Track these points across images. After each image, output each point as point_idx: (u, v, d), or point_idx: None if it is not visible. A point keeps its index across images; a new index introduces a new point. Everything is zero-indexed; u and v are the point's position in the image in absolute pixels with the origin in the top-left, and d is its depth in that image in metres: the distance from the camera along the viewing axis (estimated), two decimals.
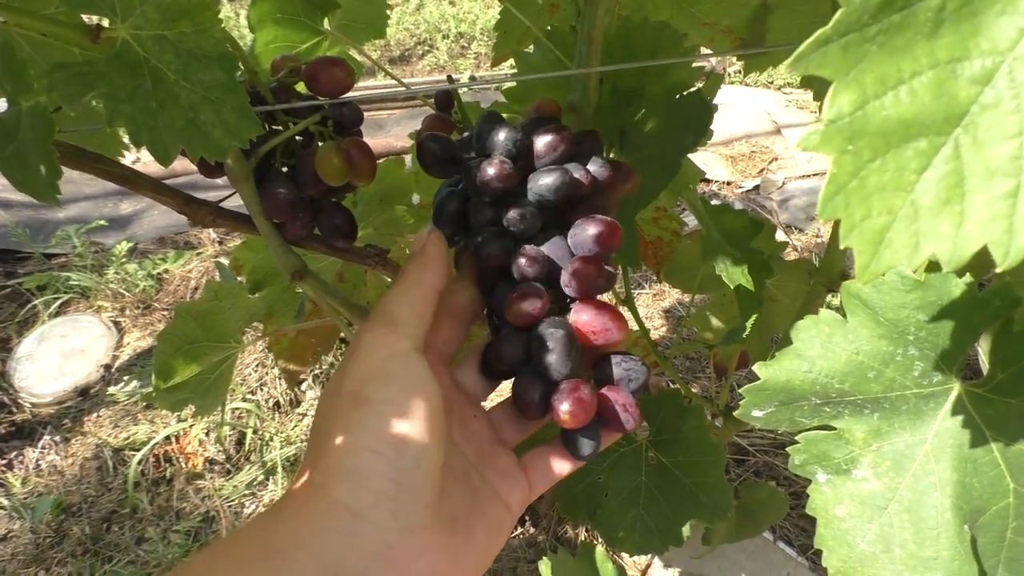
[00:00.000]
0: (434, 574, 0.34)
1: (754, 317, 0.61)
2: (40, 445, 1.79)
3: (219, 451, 1.76)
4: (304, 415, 1.86)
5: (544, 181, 0.41)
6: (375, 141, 2.88)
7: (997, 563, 0.38)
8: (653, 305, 2.16)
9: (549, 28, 0.60)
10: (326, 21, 0.63)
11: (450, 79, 0.58)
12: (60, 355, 1.99)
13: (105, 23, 0.37)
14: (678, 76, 0.53)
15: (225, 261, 2.10)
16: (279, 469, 1.71)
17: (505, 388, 0.44)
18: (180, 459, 1.74)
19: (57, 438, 1.81)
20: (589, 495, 0.69)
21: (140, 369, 1.98)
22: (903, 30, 0.23)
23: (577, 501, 0.70)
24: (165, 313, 2.19)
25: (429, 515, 0.34)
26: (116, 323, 2.14)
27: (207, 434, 1.79)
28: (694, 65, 0.55)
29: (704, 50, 0.72)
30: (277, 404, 1.88)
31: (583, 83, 0.51)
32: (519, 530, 1.55)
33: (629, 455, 0.69)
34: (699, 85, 0.53)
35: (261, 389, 1.91)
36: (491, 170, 0.40)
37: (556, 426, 0.41)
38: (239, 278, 0.79)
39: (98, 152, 0.48)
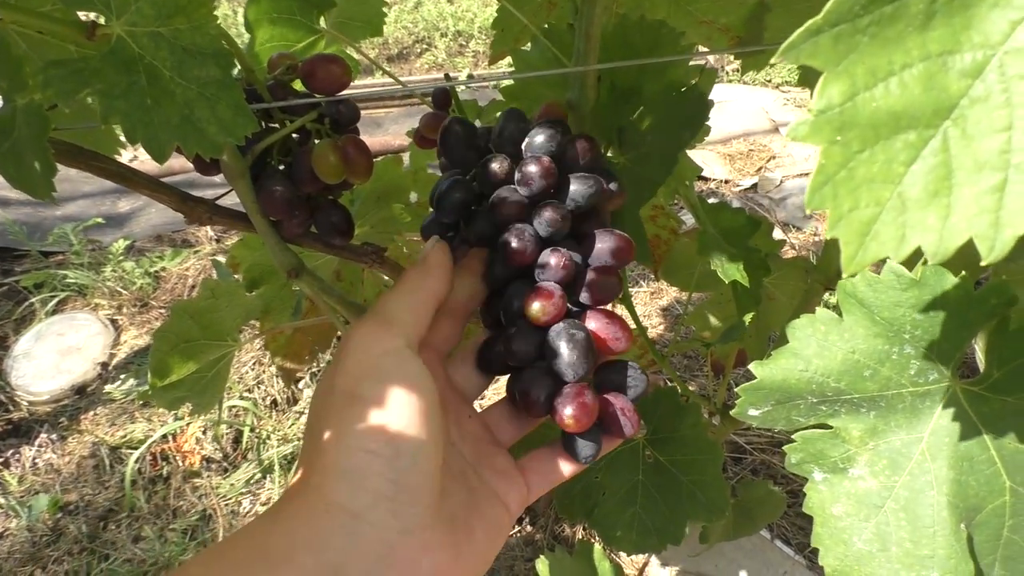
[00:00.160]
0: (436, 575, 0.34)
1: (751, 315, 0.61)
2: (37, 443, 1.79)
3: (216, 449, 1.76)
4: (301, 413, 1.86)
5: (579, 187, 0.42)
6: (373, 139, 2.88)
7: (993, 561, 0.38)
8: (651, 303, 2.16)
9: (546, 26, 0.60)
10: (322, 20, 0.63)
11: (447, 77, 0.58)
12: (57, 353, 1.98)
13: (101, 20, 0.37)
14: (676, 74, 0.52)
15: (222, 259, 2.09)
16: (276, 467, 1.71)
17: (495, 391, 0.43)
18: (177, 457, 1.74)
19: (54, 436, 1.81)
20: (586, 494, 0.69)
21: (137, 367, 1.98)
22: (895, 21, 0.23)
23: (574, 500, 0.70)
24: (162, 311, 2.18)
25: (430, 515, 0.34)
26: (113, 321, 2.13)
27: (204, 432, 1.79)
28: (692, 63, 0.55)
29: (702, 48, 0.72)
30: (274, 402, 1.88)
31: (581, 81, 0.51)
32: (516, 528, 1.55)
33: (626, 454, 0.69)
34: (694, 81, 0.53)
35: (258, 387, 1.90)
36: (533, 168, 0.41)
37: (550, 429, 0.41)
38: (236, 276, 0.79)
39: (94, 149, 0.48)
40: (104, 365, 1.98)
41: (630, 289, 2.15)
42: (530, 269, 0.42)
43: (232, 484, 1.69)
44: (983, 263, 0.23)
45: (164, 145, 0.37)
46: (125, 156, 0.57)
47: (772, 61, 0.30)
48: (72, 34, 0.37)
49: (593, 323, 0.42)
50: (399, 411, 0.34)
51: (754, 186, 2.70)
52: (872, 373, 0.41)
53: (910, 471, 0.41)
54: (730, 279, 0.56)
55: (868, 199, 0.24)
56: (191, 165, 0.48)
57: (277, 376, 1.90)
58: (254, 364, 1.96)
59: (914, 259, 0.25)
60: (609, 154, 0.53)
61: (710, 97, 0.48)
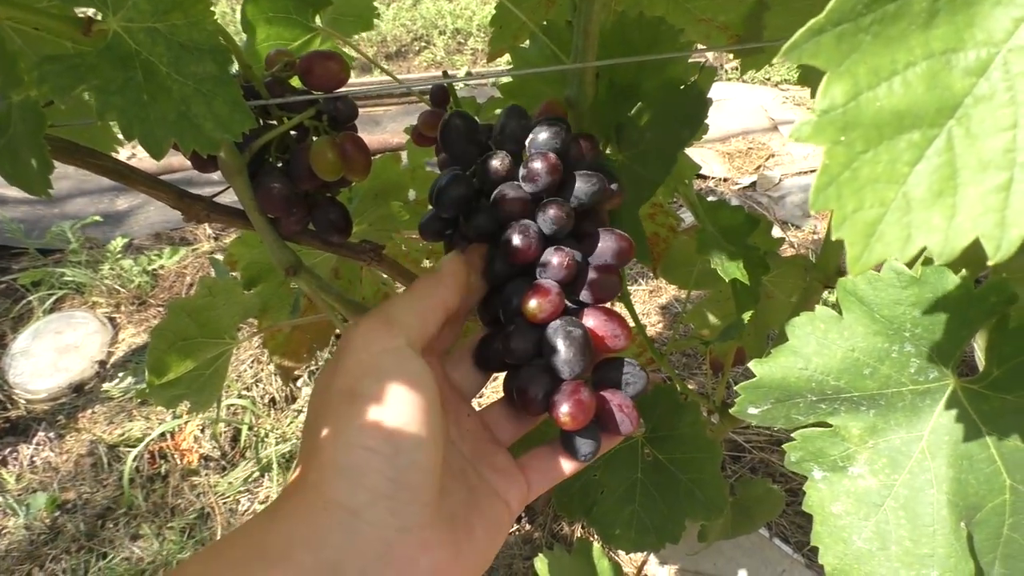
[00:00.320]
0: (436, 573, 0.33)
1: (750, 313, 0.61)
2: (35, 441, 1.79)
3: (214, 447, 1.76)
4: (299, 411, 1.86)
5: (583, 186, 0.42)
6: (372, 137, 2.88)
7: (993, 560, 0.38)
8: (650, 301, 2.16)
9: (545, 23, 0.60)
10: (318, 18, 0.63)
11: (445, 74, 0.58)
12: (55, 351, 1.98)
13: (98, 16, 0.37)
14: (674, 71, 0.52)
15: (220, 257, 2.09)
16: (274, 465, 1.71)
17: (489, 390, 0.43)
18: (175, 455, 1.74)
19: (52, 434, 1.80)
20: (585, 492, 0.69)
21: (135, 365, 1.98)
22: (897, 20, 0.23)
23: (573, 498, 0.70)
24: (160, 309, 2.18)
25: (429, 513, 0.33)
26: (111, 319, 2.13)
27: (202, 430, 1.79)
28: (691, 60, 0.55)
29: (700, 46, 0.72)
30: (272, 400, 1.88)
31: (579, 78, 0.50)
32: (515, 527, 1.55)
33: (625, 452, 0.69)
34: (693, 79, 0.52)
35: (256, 385, 1.90)
36: (539, 164, 0.41)
37: (550, 427, 0.41)
38: (234, 274, 0.79)
39: (91, 146, 0.47)
40: (102, 363, 1.98)
41: (629, 287, 2.15)
42: (531, 267, 0.42)
43: (230, 482, 1.68)
44: (989, 263, 0.23)
45: (161, 141, 0.37)
46: (123, 153, 0.56)
47: (774, 61, 0.30)
48: (68, 30, 0.37)
49: (591, 321, 0.42)
50: (399, 408, 0.33)
51: (753, 184, 2.70)
52: (872, 371, 0.41)
53: (910, 469, 0.40)
54: (729, 277, 0.56)
55: (872, 200, 0.24)
56: (189, 162, 0.48)
57: (275, 374, 1.90)
58: (252, 362, 1.95)
59: (915, 257, 0.25)
60: (608, 151, 0.53)
61: (709, 95, 0.48)
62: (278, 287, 0.79)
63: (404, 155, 0.90)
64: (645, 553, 1.36)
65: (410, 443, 0.33)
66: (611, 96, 0.53)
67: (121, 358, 2.01)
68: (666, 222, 0.89)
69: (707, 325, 0.99)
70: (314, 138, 0.50)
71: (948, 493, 0.39)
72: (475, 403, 0.45)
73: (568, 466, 0.42)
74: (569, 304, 0.43)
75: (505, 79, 0.65)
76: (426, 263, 0.92)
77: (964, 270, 0.38)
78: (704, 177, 2.75)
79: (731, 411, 0.44)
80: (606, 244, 0.42)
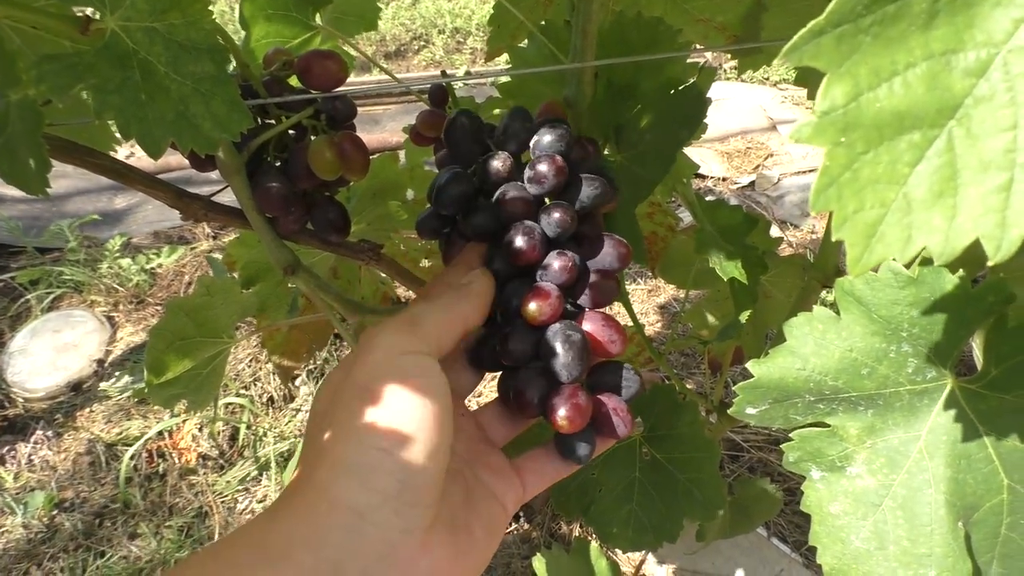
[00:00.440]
0: (435, 574, 0.33)
1: (748, 313, 0.61)
2: (32, 440, 1.78)
3: (212, 446, 1.76)
4: (298, 410, 1.86)
5: (587, 189, 0.42)
6: (370, 136, 2.87)
7: (991, 559, 0.38)
8: (648, 301, 2.16)
9: (543, 23, 0.60)
10: (318, 16, 0.63)
11: (444, 74, 0.58)
12: (53, 350, 1.98)
13: (96, 15, 0.37)
14: (673, 72, 0.52)
15: (219, 256, 2.09)
16: (272, 465, 1.71)
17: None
18: (173, 454, 1.74)
19: (49, 433, 1.80)
20: (583, 491, 0.69)
21: (133, 364, 1.97)
22: (897, 21, 0.23)
23: (571, 497, 0.70)
24: (158, 308, 2.18)
25: (431, 515, 0.33)
26: (109, 318, 2.13)
27: (200, 429, 1.78)
28: (690, 60, 0.55)
29: (698, 46, 0.72)
30: (271, 399, 1.88)
31: (578, 78, 0.50)
32: (513, 526, 1.55)
33: (623, 451, 0.69)
34: (692, 79, 0.52)
35: (255, 384, 1.90)
36: (546, 166, 0.41)
37: (544, 428, 0.42)
38: (232, 273, 0.78)
39: (89, 145, 0.47)
40: (100, 362, 1.98)
41: (627, 286, 2.15)
42: (532, 268, 0.42)
43: (228, 481, 1.68)
44: (989, 263, 0.23)
45: (159, 141, 0.37)
46: (121, 152, 0.56)
47: (775, 63, 0.30)
48: (66, 29, 0.37)
49: (589, 325, 0.42)
50: (414, 414, 0.33)
51: (751, 184, 2.70)
52: (870, 371, 0.41)
53: (908, 469, 0.40)
54: (727, 276, 0.56)
55: (873, 200, 0.24)
56: (187, 161, 0.48)
57: (274, 373, 1.90)
58: (250, 361, 1.95)
59: (915, 258, 0.25)
60: (606, 151, 0.53)
61: (708, 95, 0.48)
62: (276, 286, 0.79)
63: (402, 154, 0.90)
64: (643, 552, 1.36)
65: (423, 449, 0.33)
66: (609, 96, 0.53)
67: (119, 357, 2.01)
68: (664, 221, 0.89)
69: (705, 324, 0.99)
70: (312, 137, 0.50)
71: (946, 493, 0.39)
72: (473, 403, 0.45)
73: (563, 468, 0.43)
74: (567, 307, 0.43)
75: (504, 79, 0.65)
76: (424, 263, 0.92)
77: (961, 270, 0.38)
78: (703, 176, 2.75)
79: (729, 411, 0.44)
80: (606, 249, 0.43)
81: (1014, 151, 0.22)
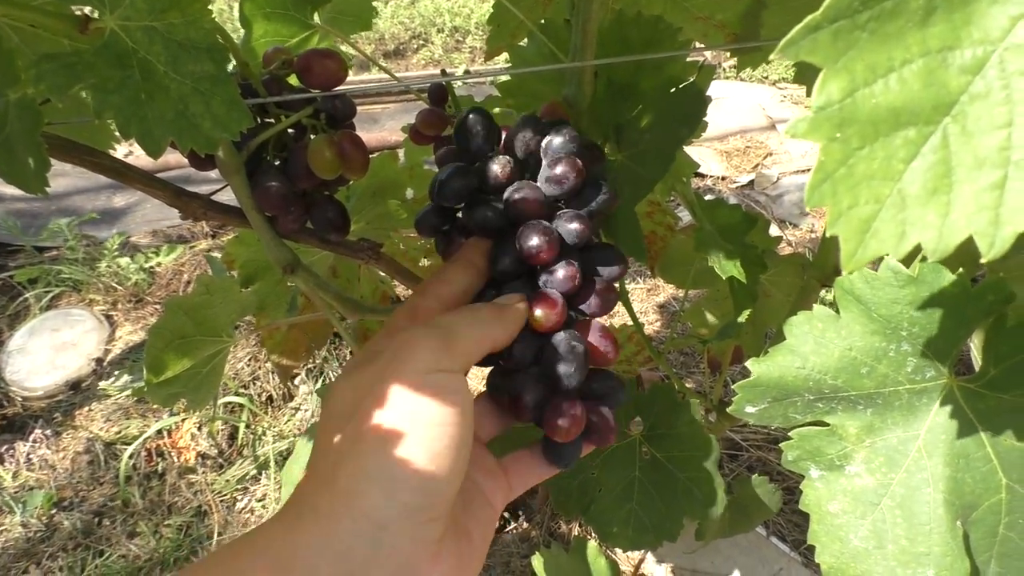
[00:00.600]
0: None
1: (747, 312, 0.61)
2: (31, 439, 1.78)
3: (211, 445, 1.76)
4: (297, 409, 1.86)
5: (599, 195, 0.43)
6: (370, 135, 2.87)
7: (989, 558, 0.38)
8: (647, 300, 2.16)
9: (543, 22, 0.60)
10: (316, 15, 0.63)
11: (443, 73, 0.58)
12: (51, 349, 1.98)
13: (95, 14, 0.37)
14: (673, 70, 0.52)
15: (218, 255, 2.09)
16: (271, 464, 1.71)
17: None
18: (172, 453, 1.74)
19: (48, 432, 1.80)
20: (582, 490, 0.69)
21: (132, 363, 1.97)
22: (894, 17, 0.23)
23: (570, 496, 0.70)
24: (157, 307, 2.18)
25: (443, 527, 0.34)
26: (108, 317, 2.13)
27: (199, 428, 1.78)
28: (689, 59, 0.55)
29: (698, 45, 0.72)
30: (270, 398, 1.88)
31: (578, 77, 0.50)
32: (512, 525, 1.55)
33: (623, 450, 0.69)
34: (692, 78, 0.52)
35: (254, 383, 1.90)
36: (564, 168, 0.41)
37: (530, 427, 0.42)
38: (231, 272, 0.78)
39: (89, 144, 0.47)
40: (99, 361, 1.98)
41: (627, 285, 2.15)
42: (535, 271, 0.42)
43: (227, 480, 1.68)
44: (983, 260, 0.23)
45: (158, 140, 0.37)
46: (120, 151, 0.56)
47: (771, 58, 0.30)
48: (65, 28, 0.37)
49: (589, 335, 0.43)
50: (443, 431, 0.33)
51: (751, 183, 2.70)
52: (869, 370, 0.41)
53: (907, 468, 0.41)
54: (727, 275, 0.56)
55: (868, 196, 0.24)
56: (186, 160, 0.48)
57: (273, 372, 1.90)
58: (250, 360, 1.95)
59: (912, 256, 0.25)
60: (606, 150, 0.53)
61: (707, 93, 0.48)
62: (275, 285, 0.79)
63: (402, 153, 0.90)
64: (642, 551, 1.36)
65: (448, 466, 0.33)
66: (609, 95, 0.53)
67: (118, 355, 2.01)
68: (664, 220, 0.89)
69: (705, 324, 0.99)
70: (312, 136, 0.50)
71: (944, 492, 0.39)
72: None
73: (548, 471, 0.43)
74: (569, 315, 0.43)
75: (503, 78, 0.64)
76: (424, 261, 0.92)
77: (960, 269, 0.38)
78: (702, 175, 2.75)
79: (728, 409, 0.44)
80: (608, 258, 0.43)
81: (1008, 149, 0.23)
